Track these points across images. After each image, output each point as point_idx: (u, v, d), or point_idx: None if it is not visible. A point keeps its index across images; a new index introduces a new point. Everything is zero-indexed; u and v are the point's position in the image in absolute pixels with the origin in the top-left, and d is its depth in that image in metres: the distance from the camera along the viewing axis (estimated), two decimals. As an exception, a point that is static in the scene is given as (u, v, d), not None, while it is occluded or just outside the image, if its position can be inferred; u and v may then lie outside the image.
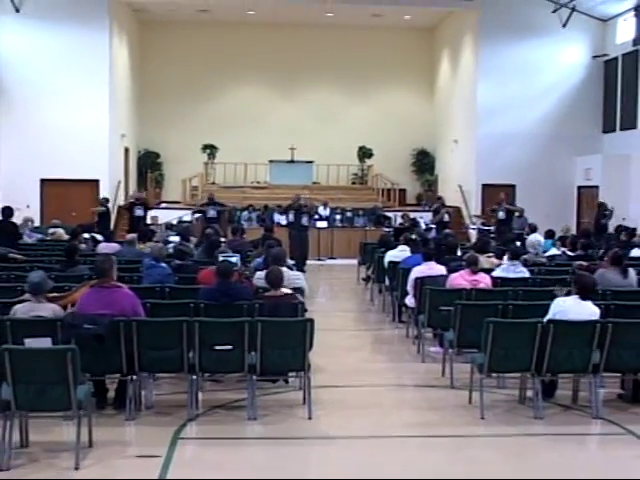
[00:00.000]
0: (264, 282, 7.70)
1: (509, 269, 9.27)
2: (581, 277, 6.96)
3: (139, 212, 17.57)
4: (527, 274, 9.39)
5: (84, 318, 6.30)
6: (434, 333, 9.22)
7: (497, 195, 18.89)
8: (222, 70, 25.88)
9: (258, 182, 25.05)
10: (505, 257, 10.03)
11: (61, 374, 5.38)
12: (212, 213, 17.28)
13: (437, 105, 26.59)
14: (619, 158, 20.94)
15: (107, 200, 17.79)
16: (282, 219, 18.83)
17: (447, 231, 15.15)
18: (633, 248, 12.07)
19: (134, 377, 6.40)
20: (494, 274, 9.18)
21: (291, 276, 8.33)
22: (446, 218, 17.95)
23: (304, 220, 17.30)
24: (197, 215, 18.86)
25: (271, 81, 26.21)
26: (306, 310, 7.58)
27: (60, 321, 6.29)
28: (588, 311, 6.69)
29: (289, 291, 7.57)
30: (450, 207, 19.00)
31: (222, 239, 11.76)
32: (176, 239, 12.38)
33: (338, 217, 21.53)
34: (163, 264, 8.95)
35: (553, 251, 12.08)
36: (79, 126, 20.79)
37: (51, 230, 14.81)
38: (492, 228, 17.64)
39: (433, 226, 17.98)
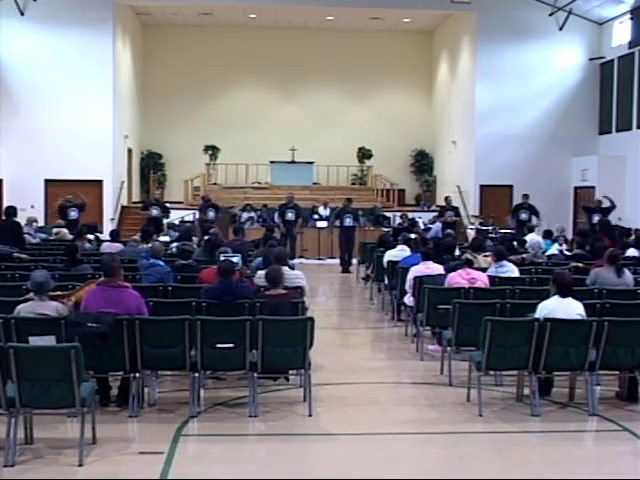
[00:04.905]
0: (264, 281, 7.77)
1: (496, 270, 9.29)
2: (558, 275, 7.00)
3: (155, 212, 17.71)
4: (515, 273, 9.38)
5: (88, 316, 6.35)
6: (433, 331, 9.26)
7: (494, 196, 18.94)
8: (224, 72, 25.92)
9: (259, 183, 25.08)
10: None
11: (65, 372, 5.41)
12: (211, 215, 17.24)
13: (435, 107, 26.64)
14: (615, 159, 21.04)
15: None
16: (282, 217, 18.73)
17: (447, 231, 15.22)
18: (629, 248, 12.16)
19: (137, 375, 6.44)
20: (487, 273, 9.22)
21: (291, 275, 8.40)
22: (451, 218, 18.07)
23: (348, 221, 17.52)
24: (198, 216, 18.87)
25: (272, 83, 26.25)
26: (307, 309, 7.67)
27: (64, 319, 6.33)
28: (573, 308, 6.75)
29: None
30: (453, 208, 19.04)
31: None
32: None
33: (338, 217, 21.51)
34: (161, 262, 9.02)
35: (553, 248, 12.18)
36: (83, 127, 20.87)
37: (55, 230, 14.90)
38: (490, 228, 17.73)
39: (431, 226, 18.03)
